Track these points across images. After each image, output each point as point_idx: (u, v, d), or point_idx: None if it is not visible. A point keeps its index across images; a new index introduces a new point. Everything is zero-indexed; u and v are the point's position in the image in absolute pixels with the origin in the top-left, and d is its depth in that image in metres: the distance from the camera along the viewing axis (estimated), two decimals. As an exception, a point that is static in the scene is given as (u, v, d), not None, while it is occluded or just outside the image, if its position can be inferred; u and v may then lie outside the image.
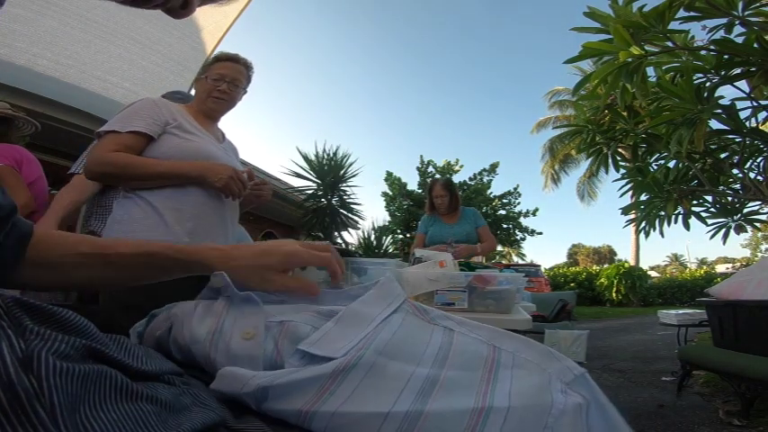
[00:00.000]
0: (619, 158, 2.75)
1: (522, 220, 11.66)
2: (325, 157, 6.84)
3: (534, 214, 11.64)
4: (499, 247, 19.89)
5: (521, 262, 15.38)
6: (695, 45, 2.14)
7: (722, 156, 2.49)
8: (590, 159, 2.88)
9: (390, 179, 11.55)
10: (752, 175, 2.44)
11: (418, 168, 11.83)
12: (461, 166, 11.82)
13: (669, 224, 2.66)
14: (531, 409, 0.28)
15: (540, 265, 11.63)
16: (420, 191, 10.90)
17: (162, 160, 1.17)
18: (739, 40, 1.87)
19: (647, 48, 1.94)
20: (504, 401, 0.28)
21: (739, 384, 2.23)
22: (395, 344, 0.34)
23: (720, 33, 1.88)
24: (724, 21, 1.83)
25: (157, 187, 1.18)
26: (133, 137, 1.16)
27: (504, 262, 17.89)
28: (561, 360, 0.32)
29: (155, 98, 1.29)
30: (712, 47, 1.94)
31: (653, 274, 24.42)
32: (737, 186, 2.60)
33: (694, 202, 2.64)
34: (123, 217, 1.17)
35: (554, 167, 17.09)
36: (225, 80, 1.33)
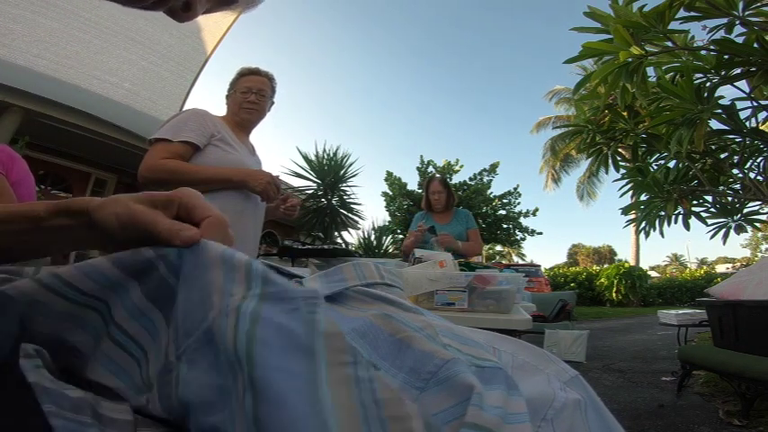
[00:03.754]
0: (619, 158, 2.75)
1: (522, 220, 11.67)
2: (326, 157, 6.84)
3: (534, 214, 11.65)
4: (499, 247, 19.95)
5: (521, 262, 15.39)
6: (695, 45, 2.14)
7: (722, 156, 2.49)
8: (590, 159, 2.87)
9: (390, 179, 11.56)
10: (752, 175, 2.43)
11: (418, 168, 11.86)
12: (461, 166, 11.85)
13: (669, 224, 2.66)
14: (531, 402, 0.28)
15: (540, 265, 11.60)
16: (420, 191, 10.91)
17: (207, 166, 1.28)
18: (739, 40, 1.86)
19: (647, 48, 1.93)
20: None
21: (739, 384, 2.24)
22: None
23: (720, 33, 1.87)
24: (724, 21, 1.82)
25: None
26: (183, 146, 1.26)
27: (504, 262, 17.92)
28: (557, 362, 0.33)
29: (200, 110, 1.39)
30: (712, 47, 1.93)
31: (653, 274, 24.43)
32: (737, 186, 2.60)
33: (694, 202, 2.64)
34: None
35: (554, 167, 17.08)
36: (252, 91, 1.45)
